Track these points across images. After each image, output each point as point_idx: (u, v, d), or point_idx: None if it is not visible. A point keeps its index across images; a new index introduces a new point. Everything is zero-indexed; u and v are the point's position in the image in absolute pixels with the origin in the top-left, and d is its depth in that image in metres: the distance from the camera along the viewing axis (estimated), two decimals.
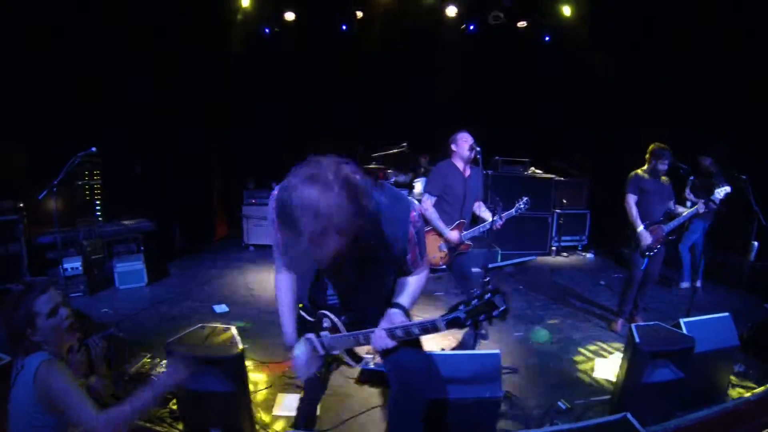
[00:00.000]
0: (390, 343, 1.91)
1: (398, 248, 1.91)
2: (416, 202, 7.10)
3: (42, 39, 5.57)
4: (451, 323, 1.74)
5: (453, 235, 4.09)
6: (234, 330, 2.98)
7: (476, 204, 4.36)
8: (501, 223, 4.08)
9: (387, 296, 2.08)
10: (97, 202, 6.50)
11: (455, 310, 1.73)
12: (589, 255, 8.14)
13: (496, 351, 2.83)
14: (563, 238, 8.20)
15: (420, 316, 4.93)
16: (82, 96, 5.93)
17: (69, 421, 1.89)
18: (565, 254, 8.15)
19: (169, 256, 6.93)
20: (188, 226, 7.84)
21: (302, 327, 2.23)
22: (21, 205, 5.25)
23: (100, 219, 6.39)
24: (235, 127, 8.74)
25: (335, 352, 2.18)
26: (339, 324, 2.10)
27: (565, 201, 8.10)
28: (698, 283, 5.85)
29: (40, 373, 1.85)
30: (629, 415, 2.78)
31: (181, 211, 7.62)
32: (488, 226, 4.12)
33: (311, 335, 2.15)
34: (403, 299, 2.02)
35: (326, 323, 2.13)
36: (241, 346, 2.81)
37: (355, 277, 2.00)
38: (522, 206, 4.24)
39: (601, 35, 7.91)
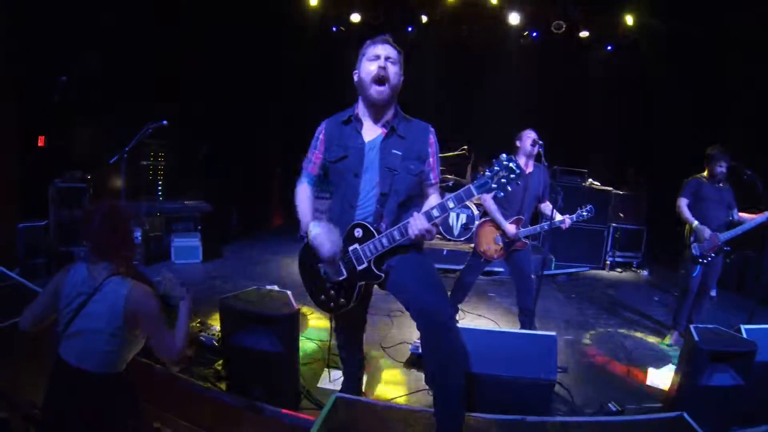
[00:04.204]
0: (427, 225, 2.16)
1: (422, 150, 2.40)
2: (474, 207, 7.10)
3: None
4: (481, 187, 2.09)
5: (510, 227, 4.03)
6: (290, 293, 3.02)
7: (545, 205, 4.29)
8: (568, 223, 4.04)
9: (413, 211, 2.30)
10: (159, 183, 6.81)
11: (483, 177, 2.10)
12: (644, 273, 7.81)
13: (553, 333, 2.76)
14: (618, 253, 7.91)
15: (472, 313, 5.02)
16: (158, 85, 6.29)
17: (152, 343, 2.00)
18: (619, 270, 7.86)
19: (224, 238, 7.13)
20: (245, 212, 8.08)
21: None
22: (89, 176, 5.55)
23: (161, 198, 6.68)
24: (301, 121, 8.93)
25: (362, 266, 2.33)
26: (372, 228, 2.30)
27: (622, 215, 7.86)
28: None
29: (133, 296, 1.93)
30: (686, 415, 2.67)
31: (240, 198, 7.86)
32: (546, 227, 4.03)
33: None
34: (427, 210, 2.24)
35: (358, 233, 2.34)
36: (297, 307, 2.85)
37: (387, 178, 2.34)
38: (585, 213, 4.11)
39: (664, 47, 7.72)
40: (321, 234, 2.29)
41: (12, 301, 2.97)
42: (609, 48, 8.56)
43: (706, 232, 4.26)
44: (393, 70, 2.30)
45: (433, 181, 2.46)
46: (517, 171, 2.05)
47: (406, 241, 2.25)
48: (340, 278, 2.39)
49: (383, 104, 2.34)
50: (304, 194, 2.53)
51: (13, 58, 4.78)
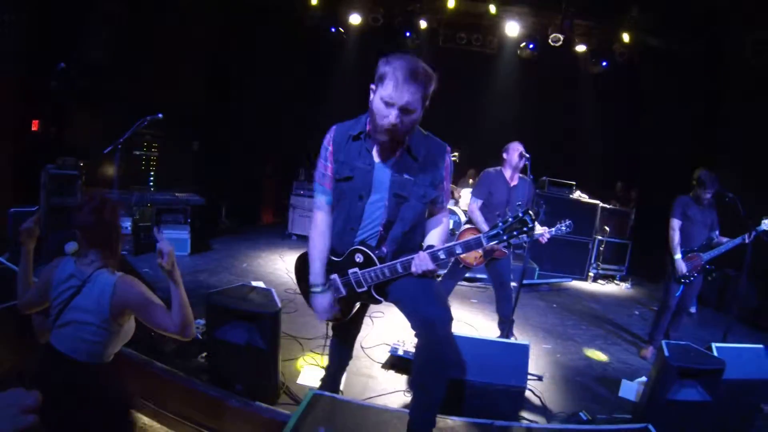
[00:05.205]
0: (431, 266, 2.10)
1: (436, 174, 2.23)
2: (461, 213, 7.20)
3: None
4: (492, 238, 2.04)
5: None
6: (274, 291, 3.10)
7: None
8: (547, 237, 4.11)
9: (419, 233, 2.32)
10: (151, 174, 6.85)
11: (495, 228, 2.05)
12: (626, 286, 7.97)
13: (526, 342, 2.86)
14: (602, 266, 8.06)
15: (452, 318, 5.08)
16: (156, 79, 6.35)
17: (152, 326, 2.03)
18: (602, 282, 8.00)
19: (213, 232, 7.19)
20: (235, 208, 8.15)
21: (328, 268, 2.35)
22: (82, 163, 5.57)
23: (152, 189, 6.72)
24: (292, 121, 9.04)
25: (361, 290, 2.29)
26: (374, 257, 2.22)
27: (607, 229, 8.00)
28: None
29: (120, 289, 1.96)
30: (651, 426, 2.75)
31: (230, 193, 7.93)
32: (526, 239, 4.07)
33: (334, 276, 2.33)
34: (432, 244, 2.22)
35: (359, 258, 2.25)
36: (279, 305, 2.93)
37: (394, 204, 2.19)
38: (563, 228, 4.18)
39: (660, 65, 7.89)
40: (324, 303, 2.31)
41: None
42: (604, 63, 8.71)
43: (683, 267, 4.41)
44: (408, 120, 2.04)
45: (443, 204, 2.38)
46: (530, 225, 2.03)
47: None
48: (338, 296, 2.37)
49: (392, 147, 2.18)
50: (321, 228, 2.34)
51: (9, 49, 4.80)
